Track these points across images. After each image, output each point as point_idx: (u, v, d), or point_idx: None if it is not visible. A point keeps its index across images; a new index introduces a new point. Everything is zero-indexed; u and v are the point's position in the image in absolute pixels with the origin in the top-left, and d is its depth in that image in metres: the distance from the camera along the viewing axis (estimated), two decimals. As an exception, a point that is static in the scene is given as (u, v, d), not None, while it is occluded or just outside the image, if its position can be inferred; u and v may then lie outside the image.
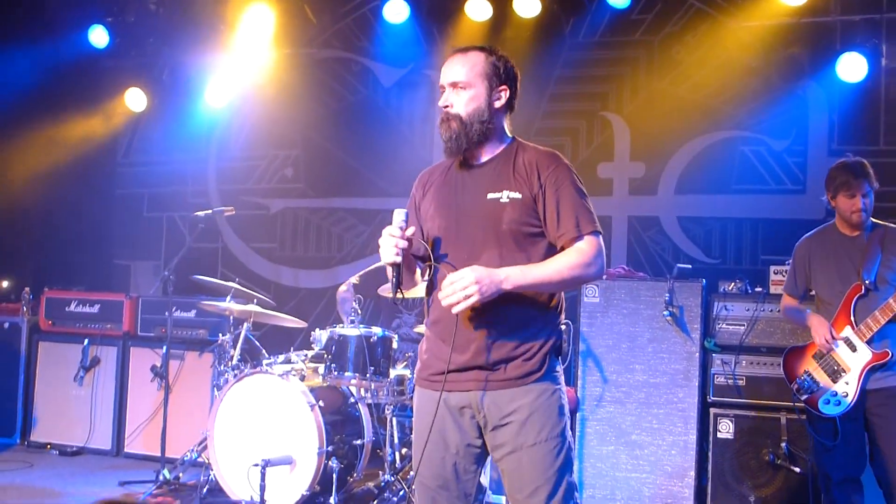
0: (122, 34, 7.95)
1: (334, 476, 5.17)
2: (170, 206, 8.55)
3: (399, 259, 2.87)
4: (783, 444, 5.43)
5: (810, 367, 4.45)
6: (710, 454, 5.61)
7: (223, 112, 8.22)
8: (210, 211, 6.36)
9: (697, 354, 5.64)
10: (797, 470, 5.38)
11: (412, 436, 3.10)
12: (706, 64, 6.90)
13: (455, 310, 2.75)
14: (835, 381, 4.34)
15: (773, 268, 5.87)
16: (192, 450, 5.96)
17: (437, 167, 3.18)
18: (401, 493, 5.42)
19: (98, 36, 7.94)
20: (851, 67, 6.39)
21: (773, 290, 5.75)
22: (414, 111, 7.88)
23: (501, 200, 2.92)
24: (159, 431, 6.05)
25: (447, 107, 2.99)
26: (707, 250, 6.95)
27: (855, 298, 4.33)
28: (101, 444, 6.94)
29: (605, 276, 5.28)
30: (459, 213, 2.98)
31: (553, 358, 2.97)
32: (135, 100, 8.14)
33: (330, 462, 5.18)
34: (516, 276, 2.80)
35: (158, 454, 6.04)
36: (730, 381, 5.63)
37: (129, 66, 8.14)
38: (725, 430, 5.60)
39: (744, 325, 5.65)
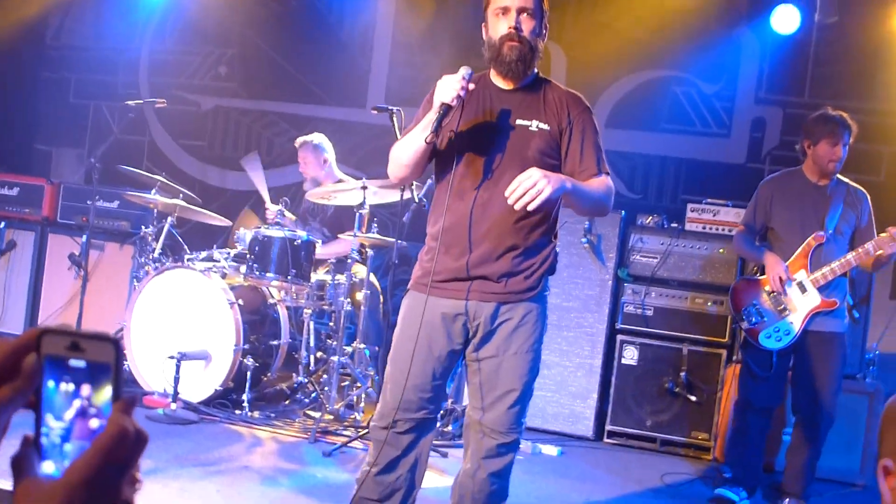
0: None
1: (248, 374, 5.26)
2: (98, 93, 8.36)
3: (454, 103, 2.97)
4: (682, 374, 5.69)
5: (759, 300, 4.64)
6: (613, 378, 5.84)
7: (160, 1, 8.04)
8: (140, 101, 6.26)
9: (610, 282, 5.83)
10: (693, 398, 5.66)
11: (395, 335, 3.21)
12: (648, 1, 6.97)
13: (531, 206, 2.85)
14: (780, 318, 4.56)
15: (690, 206, 6.06)
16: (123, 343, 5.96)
17: (477, 79, 3.19)
18: (313, 394, 5.54)
19: None
20: (785, 19, 6.52)
21: (688, 227, 5.94)
22: (356, 19, 7.81)
23: (531, 128, 3.09)
24: (74, 320, 6.04)
25: (518, 29, 3.06)
26: (630, 185, 7.11)
27: (815, 246, 4.54)
28: (12, 328, 6.88)
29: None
30: (488, 132, 3.10)
31: (547, 278, 3.19)
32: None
33: (245, 360, 5.26)
34: (573, 181, 3.00)
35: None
36: (638, 311, 5.84)
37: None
38: (630, 356, 5.83)
39: (657, 258, 5.85)
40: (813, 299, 4.53)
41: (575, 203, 3.13)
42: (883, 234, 4.44)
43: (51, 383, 0.83)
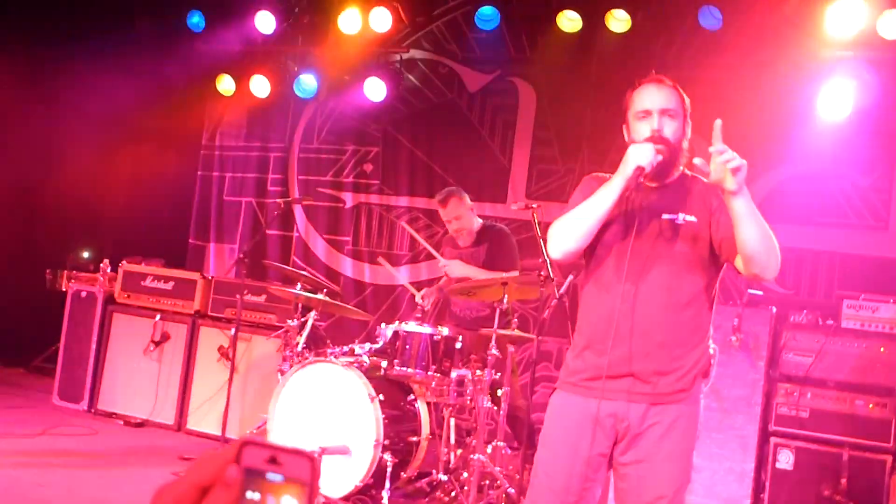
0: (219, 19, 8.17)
1: (388, 470, 5.23)
2: (249, 191, 8.72)
3: (648, 169, 2.93)
4: (843, 480, 5.34)
5: None
6: (767, 484, 5.54)
7: (310, 103, 8.39)
8: (289, 199, 6.49)
9: (762, 382, 5.57)
10: (855, 508, 5.30)
11: (541, 436, 3.15)
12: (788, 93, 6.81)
13: (735, 171, 2.73)
14: None
15: (846, 301, 5.76)
16: (251, 432, 6.07)
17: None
18: (452, 493, 5.45)
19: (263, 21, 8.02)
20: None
21: (844, 324, 5.65)
22: (496, 118, 7.93)
23: (677, 221, 3.02)
24: (221, 411, 6.17)
25: (660, 132, 3.04)
26: (782, 280, 6.85)
27: None
28: (164, 418, 7.09)
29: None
30: (635, 226, 3.04)
31: (700, 378, 3.07)
32: (225, 84, 8.33)
33: (385, 455, 5.23)
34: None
35: (218, 433, 6.16)
36: (793, 412, 5.55)
37: (223, 51, 8.33)
38: (785, 461, 5.52)
39: (811, 357, 5.57)
40: None
41: (747, 225, 2.81)
42: None
43: (250, 495, 0.83)
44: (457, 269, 5.91)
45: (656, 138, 3.00)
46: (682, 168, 3.15)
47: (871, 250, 6.65)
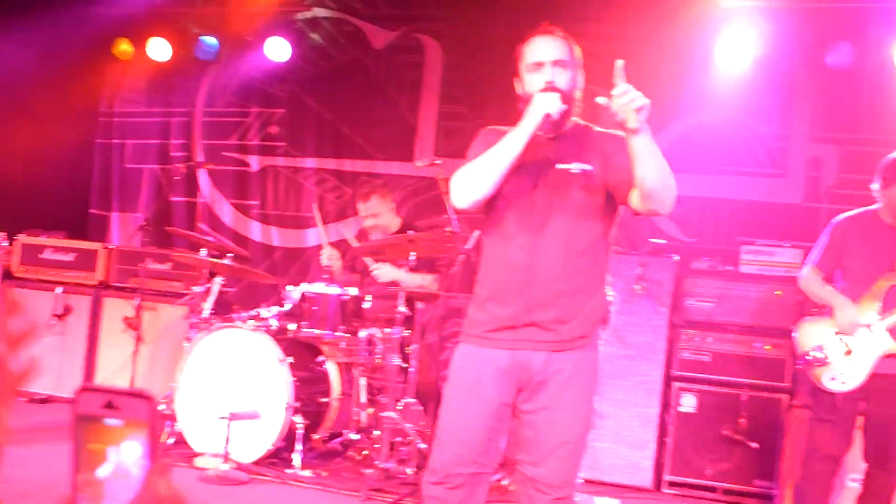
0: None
1: (299, 432, 5.22)
2: (150, 158, 8.52)
3: (556, 116, 2.96)
4: (742, 420, 5.51)
5: (824, 342, 4.45)
6: (670, 427, 5.68)
7: (212, 66, 8.21)
8: (191, 164, 6.35)
9: (665, 329, 5.69)
10: (754, 445, 5.47)
11: (446, 389, 3.17)
12: (694, 45, 6.90)
13: (638, 111, 2.73)
14: (847, 361, 4.39)
15: (744, 248, 5.92)
16: (159, 402, 5.98)
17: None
18: (364, 451, 5.47)
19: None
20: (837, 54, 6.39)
21: (743, 269, 5.81)
22: (403, 75, 7.87)
23: (572, 171, 3.04)
24: (128, 382, 6.07)
25: (554, 83, 3.03)
26: (684, 228, 6.97)
27: (887, 288, 4.38)
28: (69, 392, 6.89)
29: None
30: (531, 179, 3.07)
31: (599, 325, 3.13)
32: (123, 48, 8.09)
33: (296, 418, 5.22)
34: None
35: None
36: (695, 357, 5.69)
37: (120, 14, 8.07)
38: (687, 404, 5.66)
39: (712, 303, 5.71)
40: (883, 342, 4.34)
41: (647, 162, 2.82)
42: None
43: (88, 442, 0.80)
44: (387, 272, 5.80)
45: (550, 89, 3.00)
46: (574, 118, 3.17)
47: (769, 197, 6.80)
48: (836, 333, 4.42)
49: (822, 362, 4.43)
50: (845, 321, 4.37)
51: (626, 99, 2.73)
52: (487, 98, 7.16)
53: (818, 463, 4.48)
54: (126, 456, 0.81)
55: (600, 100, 2.77)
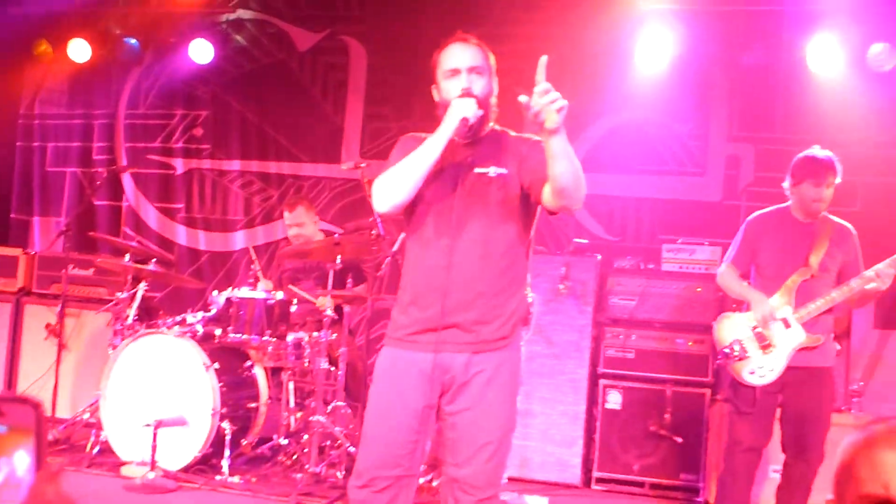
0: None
1: (227, 438, 5.19)
2: (73, 161, 8.36)
3: (473, 120, 3.03)
4: (667, 415, 5.64)
5: (742, 337, 4.58)
6: (598, 424, 5.78)
7: (135, 68, 8.10)
8: (114, 168, 6.26)
9: (590, 327, 5.79)
10: (679, 439, 5.60)
11: (370, 392, 3.19)
12: (613, 46, 7.01)
13: (558, 111, 2.78)
14: (764, 354, 4.52)
15: (665, 246, 6.05)
16: (84, 410, 5.89)
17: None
18: (294, 456, 5.46)
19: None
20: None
21: (664, 267, 5.95)
22: (328, 77, 7.85)
23: (489, 174, 3.10)
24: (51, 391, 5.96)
25: (470, 90, 3.08)
26: (608, 228, 7.09)
27: (799, 282, 4.52)
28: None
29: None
30: (450, 182, 3.12)
31: (519, 326, 3.17)
32: (43, 50, 7.92)
33: (223, 424, 5.19)
34: None
35: (48, 414, 5.95)
36: (620, 354, 5.80)
37: (40, 15, 7.92)
38: (613, 401, 5.77)
39: (635, 300, 5.82)
40: (797, 336, 4.49)
41: (562, 161, 2.87)
42: (868, 273, 4.42)
43: None
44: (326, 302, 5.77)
45: (467, 95, 3.05)
46: (491, 124, 3.23)
47: (689, 195, 6.95)
48: (753, 328, 4.56)
49: (741, 357, 4.56)
50: (761, 315, 4.50)
51: (546, 99, 2.78)
52: (413, 100, 7.19)
53: (740, 455, 4.62)
54: (16, 465, 0.81)
55: (522, 98, 2.82)
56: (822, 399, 4.55)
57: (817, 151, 4.61)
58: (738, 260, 4.76)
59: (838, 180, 4.55)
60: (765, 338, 4.53)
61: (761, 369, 4.52)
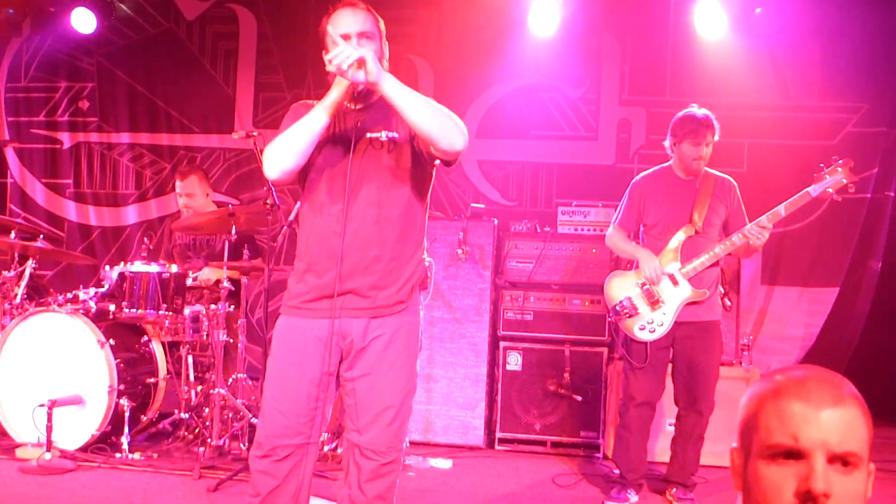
0: None
1: (126, 415, 5.10)
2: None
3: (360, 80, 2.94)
4: (566, 375, 5.76)
5: (632, 294, 4.71)
6: (499, 386, 5.86)
7: (13, 39, 7.79)
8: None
9: (489, 291, 5.86)
10: (578, 398, 5.73)
11: (269, 361, 3.15)
12: (505, 13, 7.05)
13: (359, 64, 2.84)
14: (653, 310, 4.65)
15: (560, 209, 6.16)
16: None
17: None
18: (196, 430, 5.40)
19: None
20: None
21: (560, 229, 6.05)
22: (217, 46, 7.70)
23: (381, 139, 3.09)
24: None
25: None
26: (505, 192, 7.18)
27: (685, 238, 4.64)
28: None
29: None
30: (342, 148, 3.09)
31: (417, 290, 3.17)
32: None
33: (121, 401, 5.09)
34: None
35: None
36: (519, 317, 5.89)
37: None
38: (514, 362, 5.86)
39: (532, 263, 5.91)
40: (684, 291, 4.63)
41: (407, 106, 2.91)
42: (745, 229, 4.57)
43: None
44: (207, 275, 5.73)
45: (359, 60, 3.03)
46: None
47: (584, 159, 7.09)
48: (642, 285, 4.69)
49: (631, 313, 4.69)
50: (649, 271, 4.64)
51: (340, 59, 2.85)
52: (304, 67, 7.13)
53: (634, 409, 4.77)
54: None
55: (330, 68, 2.89)
56: (711, 351, 4.72)
57: (695, 110, 4.74)
58: (625, 221, 4.89)
59: (717, 138, 4.70)
60: (653, 294, 4.66)
61: (651, 325, 4.66)
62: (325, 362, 3.07)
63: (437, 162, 3.13)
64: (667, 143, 4.81)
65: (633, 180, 4.95)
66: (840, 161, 4.59)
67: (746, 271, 6.44)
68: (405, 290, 3.13)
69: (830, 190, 4.55)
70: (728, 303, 5.39)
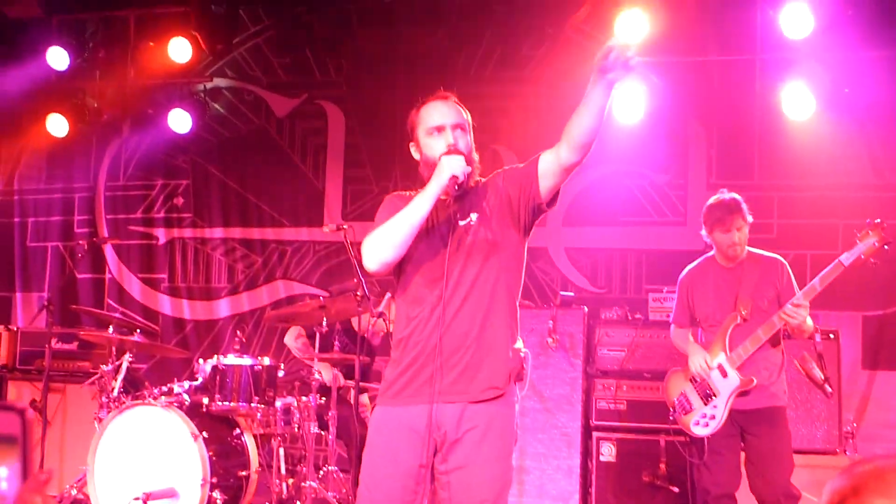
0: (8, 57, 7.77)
1: (218, 508, 5.11)
2: (54, 235, 8.33)
3: (462, 178, 3.04)
4: (661, 465, 5.60)
5: (686, 389, 4.62)
6: (593, 477, 5.72)
7: (114, 140, 8.13)
8: (95, 240, 6.25)
9: (580, 380, 5.77)
10: (675, 489, 5.55)
11: (365, 453, 3.15)
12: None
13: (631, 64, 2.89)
14: (706, 404, 4.53)
15: (651, 295, 6.07)
16: (71, 486, 5.78)
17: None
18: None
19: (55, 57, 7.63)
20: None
21: (651, 316, 5.95)
22: (307, 141, 7.90)
23: (471, 224, 3.13)
24: (36, 466, 5.85)
25: (456, 145, 3.13)
26: (593, 279, 7.11)
27: (731, 327, 4.52)
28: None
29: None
30: (436, 238, 3.14)
31: (513, 380, 3.13)
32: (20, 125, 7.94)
33: (214, 493, 5.10)
34: None
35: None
36: (611, 406, 5.77)
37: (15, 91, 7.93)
38: (607, 453, 5.73)
39: (624, 351, 5.81)
40: (733, 381, 4.49)
41: (600, 114, 3.07)
42: (786, 306, 4.38)
43: None
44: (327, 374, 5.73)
45: (455, 151, 3.07)
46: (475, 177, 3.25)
47: (672, 244, 6.99)
48: (692, 380, 4.58)
49: (686, 410, 4.58)
50: (694, 367, 4.53)
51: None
52: (392, 160, 7.24)
53: (713, 502, 4.57)
54: (3, 476, 0.78)
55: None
56: (777, 438, 4.51)
57: (724, 196, 4.65)
58: (679, 317, 4.83)
59: (750, 220, 4.58)
60: (705, 387, 4.54)
61: (704, 419, 4.55)
62: (420, 454, 3.03)
63: (548, 204, 3.15)
64: (703, 233, 4.72)
65: (681, 275, 4.88)
66: (868, 222, 4.37)
67: (846, 356, 6.21)
68: (500, 380, 3.08)
69: (863, 256, 4.36)
70: (829, 389, 5.19)
